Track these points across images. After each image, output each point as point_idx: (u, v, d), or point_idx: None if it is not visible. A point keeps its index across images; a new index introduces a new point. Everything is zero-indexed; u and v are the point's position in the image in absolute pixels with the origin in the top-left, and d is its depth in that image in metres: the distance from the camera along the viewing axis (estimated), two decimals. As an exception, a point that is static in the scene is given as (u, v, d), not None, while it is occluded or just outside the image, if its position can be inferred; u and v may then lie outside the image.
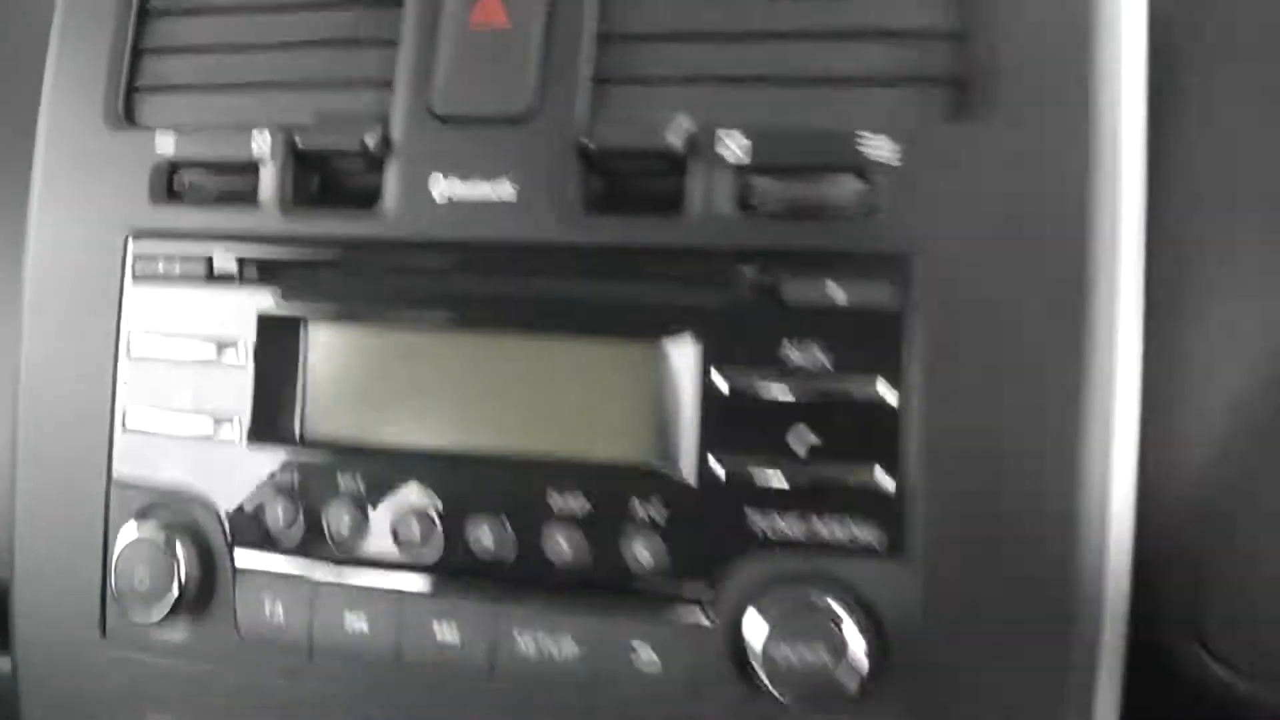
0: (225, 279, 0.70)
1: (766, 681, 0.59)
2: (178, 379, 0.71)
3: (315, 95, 0.70)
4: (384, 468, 0.67)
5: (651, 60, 0.65)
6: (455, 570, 0.65)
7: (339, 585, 0.67)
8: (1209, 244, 0.61)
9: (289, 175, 0.69)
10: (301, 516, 0.68)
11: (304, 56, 0.71)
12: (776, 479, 0.61)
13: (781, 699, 0.59)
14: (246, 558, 0.69)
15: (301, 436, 0.69)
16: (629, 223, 0.64)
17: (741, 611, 0.61)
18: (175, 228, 0.72)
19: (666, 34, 0.65)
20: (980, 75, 0.60)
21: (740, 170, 0.62)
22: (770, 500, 0.61)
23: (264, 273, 0.70)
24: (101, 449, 0.72)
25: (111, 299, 0.72)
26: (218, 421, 0.70)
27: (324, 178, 0.71)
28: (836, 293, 0.60)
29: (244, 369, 0.69)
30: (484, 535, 0.65)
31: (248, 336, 0.69)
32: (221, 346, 0.70)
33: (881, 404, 0.60)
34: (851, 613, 0.59)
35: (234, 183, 0.71)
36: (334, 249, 0.69)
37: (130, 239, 0.72)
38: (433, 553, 0.66)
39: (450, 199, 0.66)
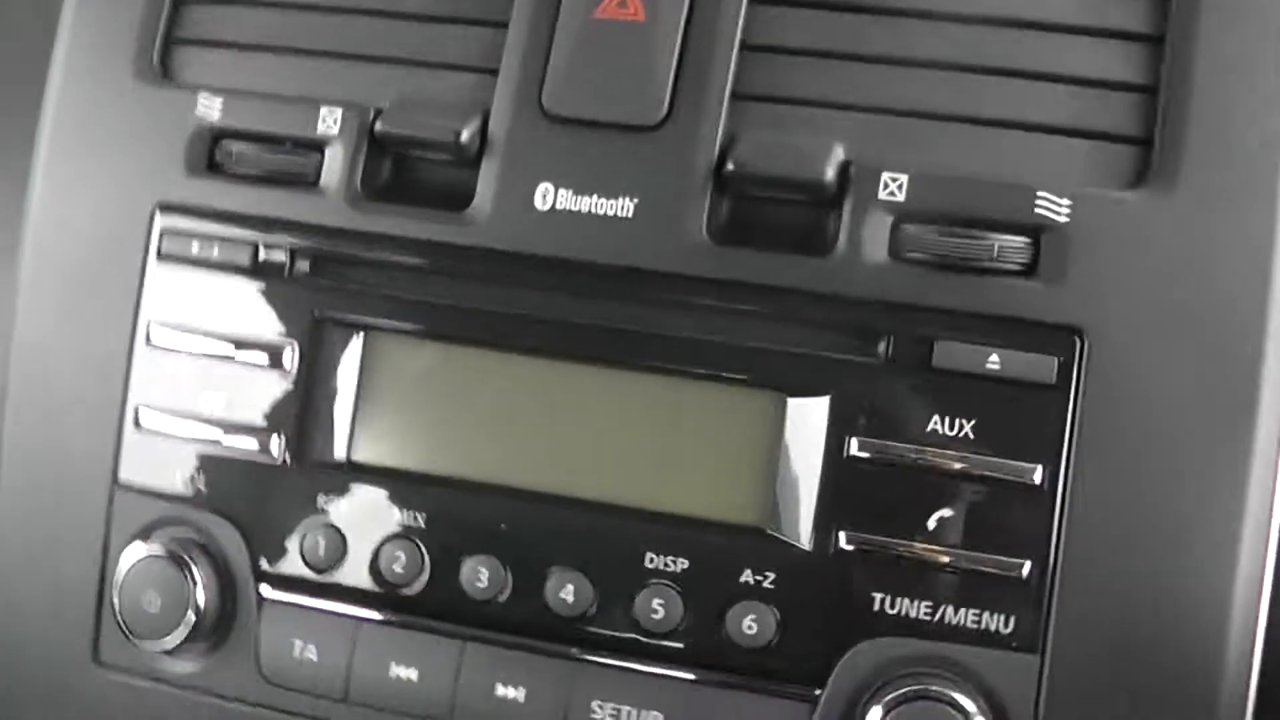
0: (272, 271, 0.63)
1: None
2: (205, 378, 0.63)
3: (398, 73, 0.63)
4: (449, 503, 0.60)
5: (800, 79, 0.59)
6: (526, 625, 0.59)
7: (386, 626, 0.60)
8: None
9: (360, 160, 0.62)
10: (346, 549, 0.61)
11: (389, 27, 0.64)
12: (906, 557, 0.56)
13: None
14: (275, 588, 0.62)
15: (350, 459, 0.61)
16: (764, 259, 0.58)
17: (854, 695, 0.56)
18: (214, 205, 0.64)
19: (821, 51, 0.59)
20: (1165, 136, 0.56)
21: (898, 214, 0.57)
22: (897, 580, 0.56)
23: (320, 269, 0.63)
24: (106, 449, 0.64)
25: (130, 278, 0.64)
26: (251, 431, 0.62)
27: (398, 169, 0.63)
28: (992, 361, 0.56)
29: (288, 375, 0.62)
30: (564, 589, 0.58)
31: (295, 340, 0.62)
32: (261, 347, 0.62)
33: (1029, 486, 0.56)
34: (976, 705, 0.55)
35: (289, 163, 0.63)
36: (409, 250, 0.61)
37: (157, 212, 0.64)
38: (502, 602, 0.59)
39: (556, 210, 0.59)
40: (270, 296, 0.62)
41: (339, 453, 0.62)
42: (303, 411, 0.62)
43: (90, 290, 0.65)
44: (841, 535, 0.57)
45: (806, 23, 0.60)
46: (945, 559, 0.56)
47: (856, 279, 0.57)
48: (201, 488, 0.63)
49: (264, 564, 0.62)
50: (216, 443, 0.62)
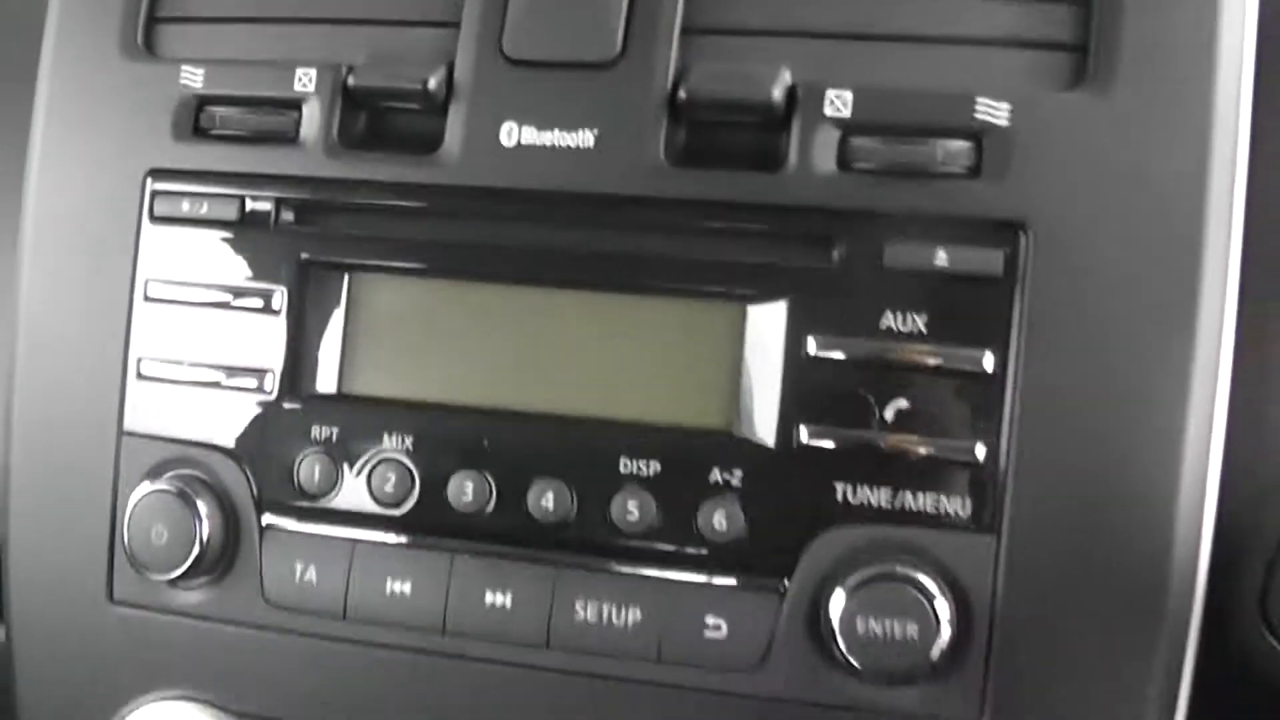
0: (258, 221, 0.66)
1: (846, 654, 0.58)
2: (200, 326, 0.67)
3: (364, 32, 0.67)
4: (433, 425, 0.63)
5: (746, 10, 0.63)
6: (511, 534, 0.62)
7: (380, 546, 0.64)
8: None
9: (336, 114, 0.66)
10: (340, 475, 0.64)
11: None
12: (865, 448, 0.59)
13: (859, 672, 0.58)
14: (275, 516, 0.65)
15: (341, 391, 0.65)
16: (720, 177, 0.61)
17: (821, 583, 0.59)
18: (202, 167, 0.67)
19: None
20: (1102, 42, 0.59)
21: (845, 128, 0.60)
22: (857, 470, 0.59)
23: (304, 216, 0.66)
24: (112, 398, 0.67)
25: (126, 239, 0.68)
26: (245, 372, 0.66)
27: (372, 120, 0.67)
28: (940, 258, 0.59)
29: (278, 317, 0.65)
30: (545, 498, 0.62)
31: (284, 284, 0.65)
32: (252, 293, 0.66)
33: (980, 374, 0.58)
34: (937, 586, 0.58)
35: (270, 122, 0.67)
36: (385, 193, 0.65)
37: (149, 177, 0.68)
38: (486, 515, 0.62)
39: (521, 146, 0.63)
40: (258, 246, 0.66)
41: (329, 385, 0.65)
42: (294, 350, 0.65)
43: (90, 253, 0.68)
44: (803, 431, 0.60)
45: None
46: (902, 447, 0.59)
47: (808, 190, 0.60)
48: (202, 428, 0.66)
49: (264, 494, 0.65)
50: (214, 385, 0.66)
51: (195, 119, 0.68)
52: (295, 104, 0.66)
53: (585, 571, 0.62)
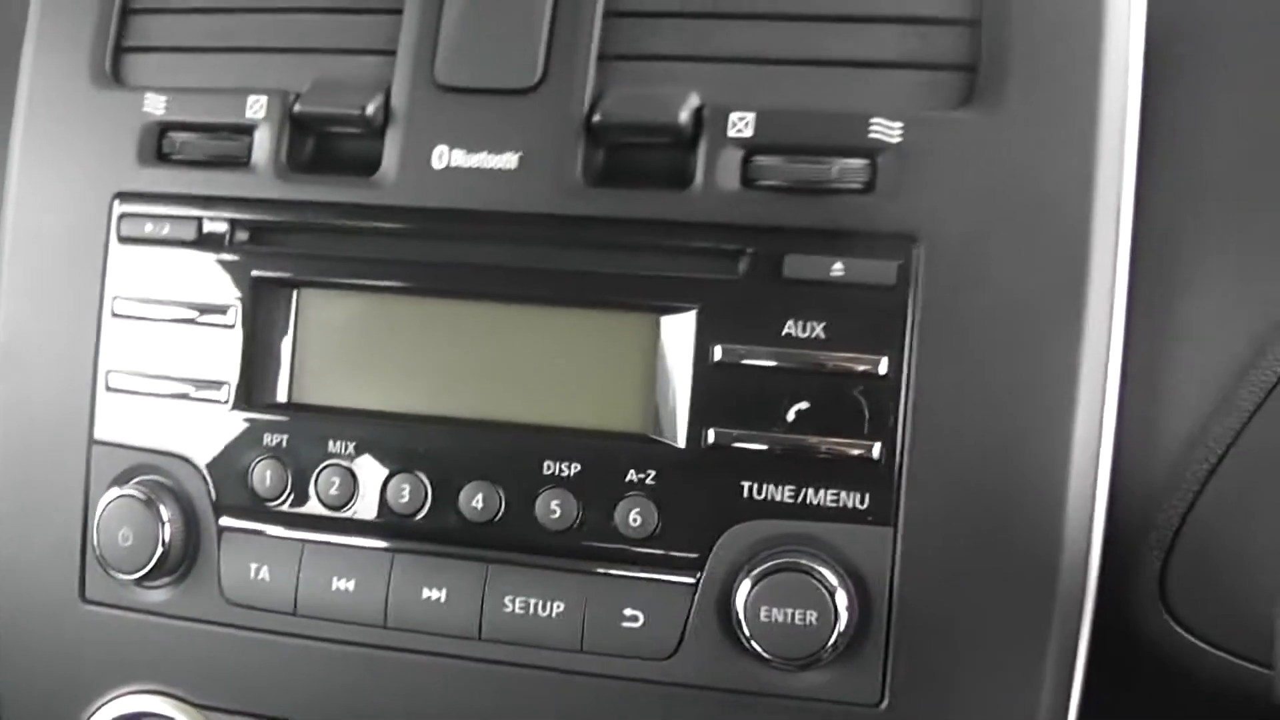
0: (215, 241, 0.70)
1: (752, 641, 0.61)
2: (164, 341, 0.71)
3: (313, 60, 0.71)
4: (374, 432, 0.67)
5: (658, 38, 0.66)
6: (445, 533, 0.66)
7: (325, 545, 0.68)
8: (1192, 234, 0.64)
9: (284, 139, 0.69)
10: (290, 479, 0.68)
11: (302, 21, 0.71)
12: (769, 448, 0.63)
13: (765, 657, 0.61)
14: (232, 519, 0.69)
15: (290, 400, 0.69)
16: (632, 196, 0.65)
17: (730, 574, 0.63)
18: (163, 189, 0.71)
19: (675, 12, 0.66)
20: (989, 63, 0.62)
21: (747, 148, 0.64)
22: (762, 468, 0.63)
23: (256, 236, 0.70)
24: (83, 409, 0.72)
25: (95, 259, 0.72)
26: (205, 384, 0.70)
27: (319, 144, 0.71)
28: (837, 269, 0.62)
29: (233, 331, 0.69)
30: (476, 499, 0.65)
31: (238, 300, 0.69)
32: (210, 309, 0.70)
33: (876, 377, 0.62)
34: (837, 576, 0.61)
35: (226, 146, 0.70)
36: (329, 214, 0.69)
37: (116, 200, 0.72)
38: (422, 516, 0.66)
39: (451, 168, 0.67)
40: (215, 264, 0.70)
41: (281, 395, 0.69)
42: (248, 362, 0.69)
43: (62, 273, 0.72)
44: (710, 433, 0.63)
45: None
46: (804, 447, 0.62)
47: (714, 207, 0.64)
48: (166, 437, 0.70)
49: (221, 499, 0.69)
50: (178, 396, 0.70)
51: (158, 144, 0.72)
52: (248, 129, 0.70)
53: (513, 567, 0.66)
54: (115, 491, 0.69)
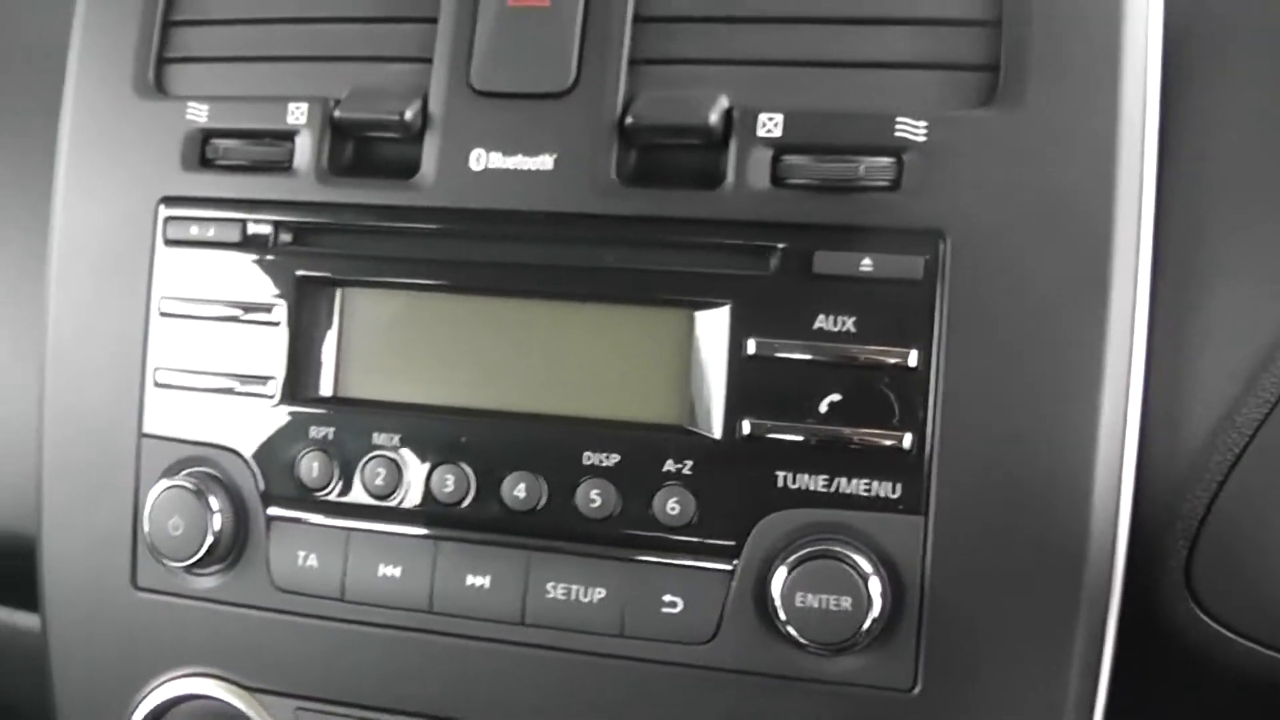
0: (259, 243, 0.73)
1: (788, 626, 0.63)
2: (209, 338, 0.73)
3: (350, 68, 0.73)
4: (418, 425, 0.70)
5: (687, 42, 0.68)
6: (488, 522, 0.69)
7: (372, 534, 0.70)
8: (1213, 228, 0.66)
9: (325, 144, 0.72)
10: (336, 470, 0.70)
11: (339, 31, 0.73)
12: (801, 438, 0.65)
13: (801, 642, 0.63)
14: (280, 509, 0.72)
15: (335, 395, 0.72)
16: (665, 195, 0.67)
17: (766, 561, 0.65)
18: (208, 194, 0.74)
19: (703, 16, 0.68)
20: (1010, 63, 0.64)
21: (776, 148, 0.66)
22: (795, 458, 0.65)
23: (300, 237, 0.72)
24: (132, 405, 0.74)
25: (142, 261, 0.74)
26: (251, 379, 0.72)
27: (358, 148, 0.73)
28: (865, 264, 0.64)
29: (279, 329, 0.72)
30: (518, 489, 0.68)
31: (283, 298, 0.72)
32: (255, 308, 0.72)
33: (906, 369, 0.64)
34: (870, 564, 0.63)
35: (268, 151, 0.73)
36: (370, 215, 0.71)
37: (161, 204, 0.74)
38: (466, 505, 0.69)
39: (488, 169, 0.69)
40: (259, 265, 0.72)
41: (326, 389, 0.72)
42: (294, 358, 0.71)
43: (110, 274, 0.75)
44: (745, 424, 0.65)
45: None
46: (836, 437, 0.64)
47: (745, 205, 0.66)
48: (214, 430, 0.72)
49: (270, 489, 0.72)
50: (224, 391, 0.72)
51: (201, 150, 0.74)
52: (289, 135, 0.72)
53: (555, 554, 0.68)
54: (165, 483, 0.72)
